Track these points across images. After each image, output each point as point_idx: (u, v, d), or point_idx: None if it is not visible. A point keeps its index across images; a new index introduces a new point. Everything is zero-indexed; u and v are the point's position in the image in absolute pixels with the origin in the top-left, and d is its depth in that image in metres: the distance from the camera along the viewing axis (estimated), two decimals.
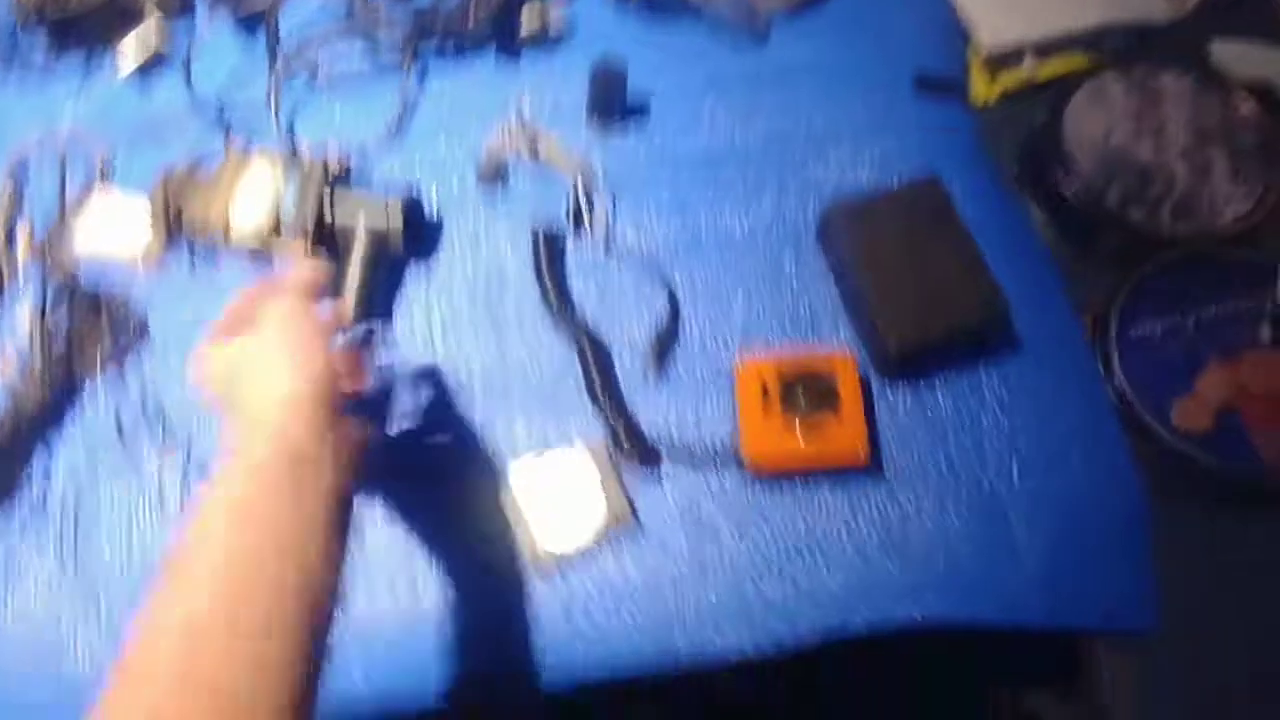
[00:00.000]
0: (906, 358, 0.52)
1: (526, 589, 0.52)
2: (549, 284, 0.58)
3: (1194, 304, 0.57)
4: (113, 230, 0.62)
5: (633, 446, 0.53)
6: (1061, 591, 0.51)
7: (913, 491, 0.53)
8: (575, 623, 0.51)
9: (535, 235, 0.59)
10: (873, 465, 0.54)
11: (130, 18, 0.68)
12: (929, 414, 0.55)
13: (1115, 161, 0.62)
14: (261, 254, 0.57)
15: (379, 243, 0.57)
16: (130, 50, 0.67)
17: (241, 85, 0.66)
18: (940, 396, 0.55)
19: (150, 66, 0.67)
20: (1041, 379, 0.56)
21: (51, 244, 0.61)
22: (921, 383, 0.56)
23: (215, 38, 0.68)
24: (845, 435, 0.50)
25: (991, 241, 0.55)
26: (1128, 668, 0.59)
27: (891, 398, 0.56)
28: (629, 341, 0.58)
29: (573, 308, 0.58)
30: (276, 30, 0.65)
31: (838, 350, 0.52)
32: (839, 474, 0.53)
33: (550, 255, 0.58)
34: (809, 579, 0.51)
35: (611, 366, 0.56)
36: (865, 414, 0.51)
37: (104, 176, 0.64)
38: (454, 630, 0.51)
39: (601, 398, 0.54)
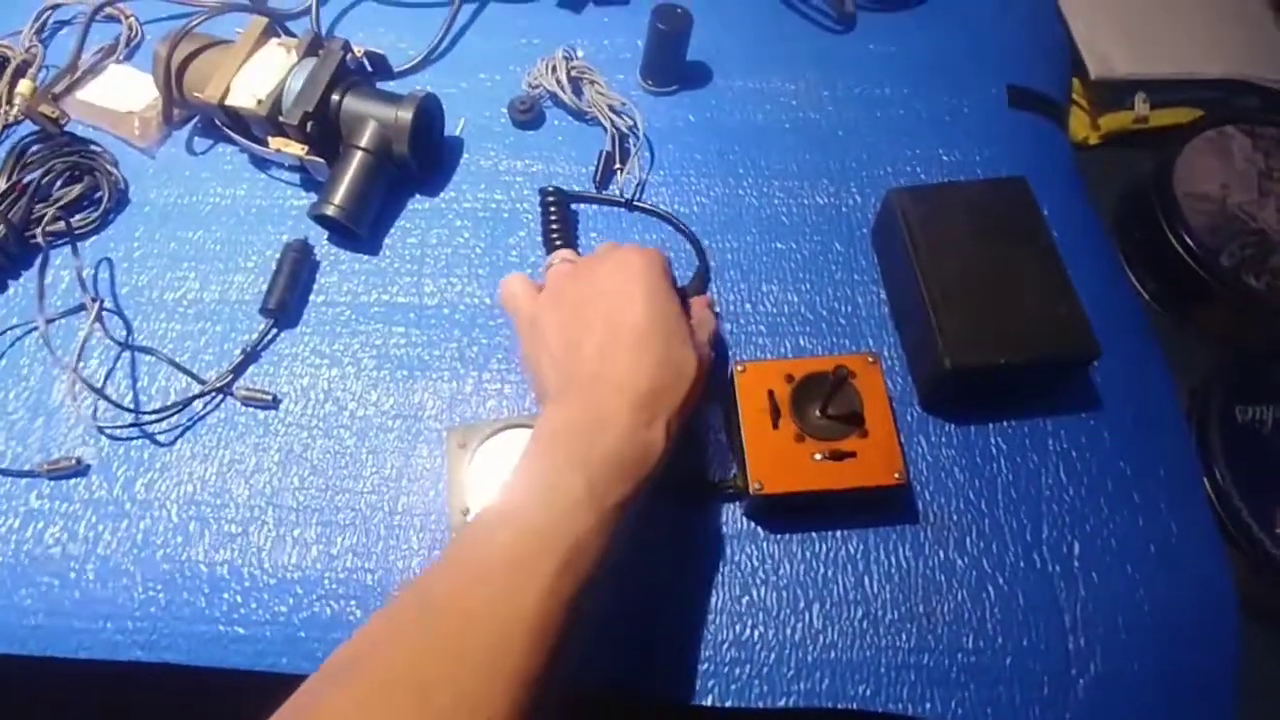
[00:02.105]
0: (962, 381, 0.42)
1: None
2: (555, 245, 0.50)
3: None
4: (116, 95, 0.57)
5: None
6: None
7: (943, 549, 0.43)
8: None
9: (543, 194, 0.52)
10: (900, 510, 0.44)
11: None
12: (975, 459, 0.45)
13: (1232, 223, 0.53)
14: (261, 151, 0.51)
15: (384, 142, 0.50)
16: None
17: None
18: (991, 442, 0.46)
19: None
20: (1121, 449, 0.46)
21: (50, 95, 0.56)
22: (971, 422, 0.46)
23: None
24: (875, 451, 0.40)
25: (1078, 279, 0.46)
26: None
27: (932, 433, 0.46)
28: None
29: None
30: None
31: (860, 355, 0.43)
32: (854, 518, 0.43)
33: (561, 215, 0.51)
34: (801, 635, 0.41)
35: None
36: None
37: (127, 50, 0.60)
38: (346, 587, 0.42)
39: None
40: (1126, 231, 0.57)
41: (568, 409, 0.36)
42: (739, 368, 0.43)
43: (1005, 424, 0.46)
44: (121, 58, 0.60)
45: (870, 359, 0.42)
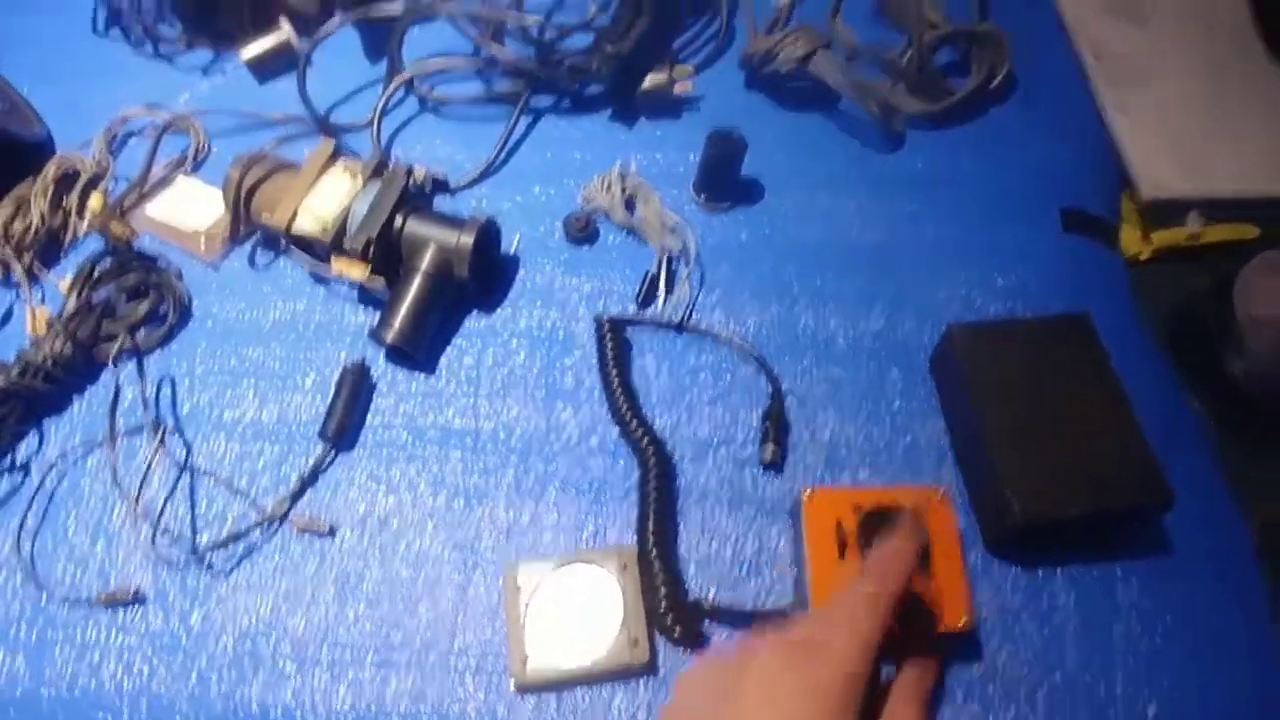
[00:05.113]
0: (1031, 531, 0.42)
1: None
2: (613, 379, 0.50)
3: None
4: (184, 211, 0.59)
5: (676, 623, 0.43)
6: None
7: (1014, 704, 0.42)
8: None
9: (599, 323, 0.52)
10: (967, 659, 0.42)
11: (265, 22, 0.68)
12: (1043, 606, 0.44)
13: None
14: (322, 271, 0.52)
15: (444, 265, 0.51)
16: (256, 51, 0.66)
17: (354, 104, 0.64)
18: (1059, 588, 0.44)
19: (271, 69, 0.67)
20: (1193, 595, 0.44)
21: (119, 210, 0.58)
22: (1038, 566, 0.45)
23: (338, 55, 0.66)
24: (941, 593, 0.39)
25: (1138, 411, 0.45)
26: None
27: (997, 577, 0.45)
28: (694, 437, 0.49)
29: (636, 407, 0.49)
30: (400, 49, 0.64)
31: (929, 488, 0.42)
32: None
33: (616, 349, 0.51)
34: None
35: (674, 505, 0.47)
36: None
37: (195, 162, 0.62)
38: None
39: (651, 548, 0.44)
40: (1181, 351, 0.56)
41: None
42: (807, 493, 0.42)
43: (1072, 568, 0.45)
44: (189, 170, 0.62)
45: (939, 496, 0.42)
